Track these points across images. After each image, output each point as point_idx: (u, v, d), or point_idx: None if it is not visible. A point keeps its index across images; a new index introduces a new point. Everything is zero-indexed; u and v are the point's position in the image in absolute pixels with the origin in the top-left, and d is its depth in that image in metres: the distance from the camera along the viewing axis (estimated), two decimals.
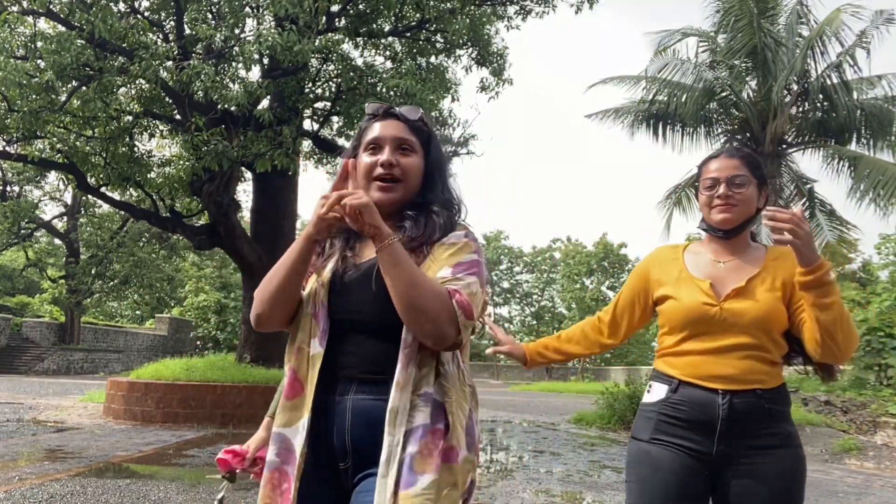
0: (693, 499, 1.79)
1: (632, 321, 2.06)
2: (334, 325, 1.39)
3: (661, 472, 1.80)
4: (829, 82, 13.22)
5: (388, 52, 13.54)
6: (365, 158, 1.45)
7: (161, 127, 13.06)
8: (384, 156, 1.43)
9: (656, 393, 1.88)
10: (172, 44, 10.60)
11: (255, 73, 11.69)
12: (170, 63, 10.18)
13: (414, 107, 1.52)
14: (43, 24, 11.06)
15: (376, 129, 1.47)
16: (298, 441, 1.34)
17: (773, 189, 13.71)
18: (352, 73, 11.31)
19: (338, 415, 1.36)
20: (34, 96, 10.18)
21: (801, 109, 14.09)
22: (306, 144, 13.99)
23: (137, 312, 43.39)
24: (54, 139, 12.06)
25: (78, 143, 12.04)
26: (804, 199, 14.73)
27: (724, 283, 1.84)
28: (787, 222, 1.57)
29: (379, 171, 1.43)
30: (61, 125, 11.84)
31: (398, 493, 1.24)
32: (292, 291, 1.40)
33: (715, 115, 14.75)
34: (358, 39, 12.84)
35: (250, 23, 11.11)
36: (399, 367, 1.30)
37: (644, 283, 2.01)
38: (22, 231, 29.07)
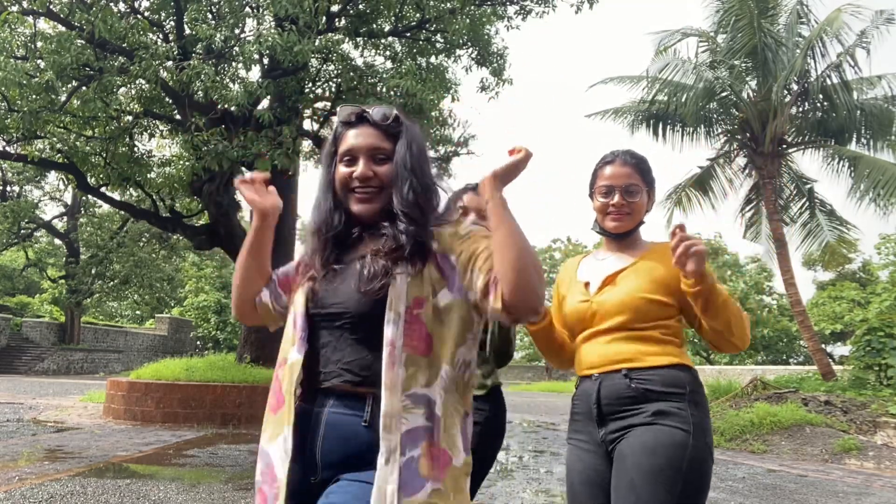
0: (598, 487, 1.82)
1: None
2: (315, 330, 1.38)
3: (571, 472, 1.91)
4: (829, 82, 13.21)
5: (388, 52, 13.53)
6: (342, 169, 1.43)
7: (161, 127, 13.06)
8: (359, 169, 1.40)
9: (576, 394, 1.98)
10: (172, 44, 10.60)
11: (255, 73, 11.69)
12: (170, 63, 10.18)
13: (386, 108, 1.47)
14: (43, 24, 11.06)
15: (350, 139, 1.43)
16: (278, 458, 1.30)
17: (773, 189, 13.72)
18: (352, 73, 11.31)
19: (312, 428, 1.32)
20: (34, 96, 10.18)
21: (801, 109, 14.09)
22: (306, 144, 13.99)
23: (137, 312, 43.39)
24: (54, 139, 12.07)
25: (78, 143, 12.04)
26: (804, 199, 14.74)
27: (601, 276, 1.94)
28: (681, 246, 1.65)
29: (355, 185, 1.41)
30: (61, 125, 11.85)
31: (402, 500, 1.20)
32: (251, 283, 1.52)
33: (715, 115, 14.74)
34: (358, 39, 12.83)
35: (250, 23, 11.11)
36: (385, 367, 1.26)
37: (557, 299, 2.09)
38: (22, 231, 29.06)
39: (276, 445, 1.32)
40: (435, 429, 1.27)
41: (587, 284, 1.96)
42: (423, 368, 1.28)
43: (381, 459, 1.22)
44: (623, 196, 1.93)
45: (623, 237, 1.98)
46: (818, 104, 13.81)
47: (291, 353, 1.37)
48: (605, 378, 1.82)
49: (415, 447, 1.24)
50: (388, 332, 1.27)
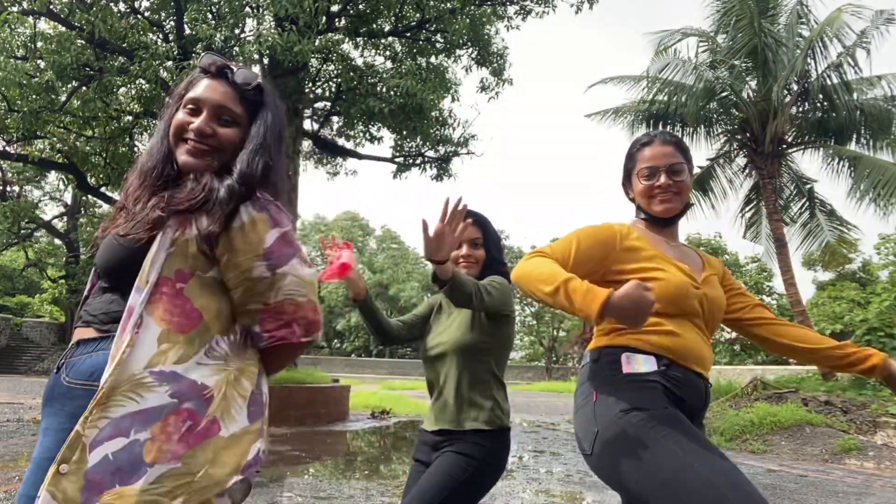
0: None
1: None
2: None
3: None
4: (829, 82, 13.21)
5: (388, 52, 13.55)
6: (180, 115, 1.34)
7: None
8: (199, 121, 1.32)
9: (645, 364, 1.65)
10: (172, 44, 10.61)
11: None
12: (170, 63, 10.19)
13: (251, 72, 1.39)
14: (43, 25, 11.07)
15: (201, 88, 1.35)
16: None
17: (773, 189, 13.72)
18: (352, 73, 11.32)
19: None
20: (34, 96, 10.19)
21: (801, 109, 14.09)
22: (306, 144, 14.00)
23: None
24: (54, 139, 12.08)
25: (78, 143, 12.05)
26: (804, 199, 14.74)
27: (690, 267, 1.80)
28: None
29: (189, 136, 1.32)
30: (61, 125, 11.86)
31: (113, 489, 1.10)
32: None
33: (715, 115, 14.74)
34: (358, 39, 12.84)
35: (250, 23, 11.12)
36: (117, 335, 1.18)
37: (606, 247, 1.76)
38: (22, 231, 29.06)
39: None
40: (194, 405, 1.17)
41: (686, 267, 1.77)
42: (179, 345, 1.20)
43: (72, 434, 1.14)
44: (669, 176, 1.80)
45: (673, 222, 1.86)
46: (818, 104, 13.81)
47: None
48: (707, 384, 1.75)
49: (143, 429, 1.14)
50: (132, 298, 1.19)
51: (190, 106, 1.34)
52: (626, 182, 1.93)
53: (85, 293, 1.34)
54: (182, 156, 1.32)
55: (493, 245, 2.32)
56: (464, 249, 2.27)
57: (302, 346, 1.30)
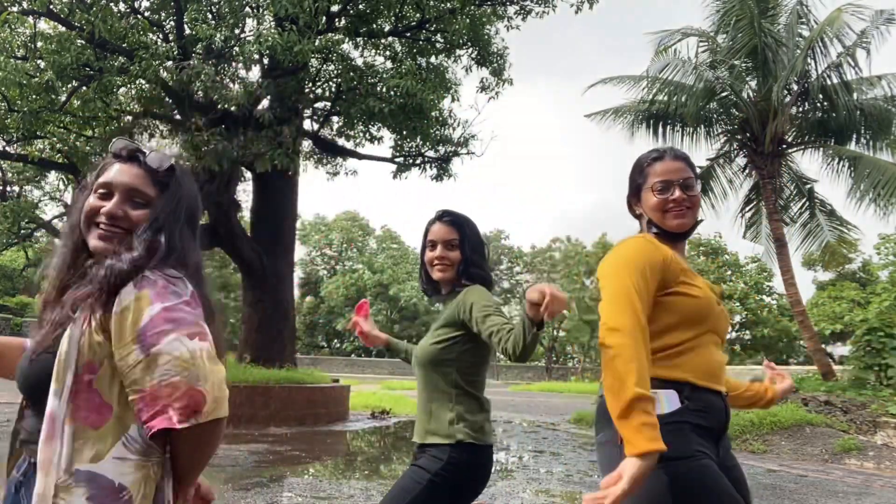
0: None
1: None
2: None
3: (725, 484, 1.56)
4: (829, 82, 13.21)
5: (388, 52, 13.54)
6: (92, 200, 1.32)
7: (161, 127, 13.06)
8: (110, 205, 1.30)
9: (668, 403, 1.62)
10: (172, 44, 10.60)
11: (255, 73, 11.69)
12: (170, 63, 10.18)
13: (164, 155, 1.38)
14: (43, 25, 11.06)
15: (112, 172, 1.34)
16: None
17: (773, 189, 13.71)
18: (352, 73, 11.31)
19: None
20: (34, 96, 10.19)
21: (801, 109, 14.08)
22: (306, 144, 13.99)
23: None
24: (54, 139, 12.08)
25: (78, 143, 12.05)
26: (804, 199, 14.74)
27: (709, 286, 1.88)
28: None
29: (100, 220, 1.30)
30: (61, 125, 11.86)
31: None
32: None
33: (715, 115, 14.74)
34: (358, 39, 12.84)
35: (250, 23, 11.11)
36: (41, 444, 1.15)
37: (661, 274, 1.72)
38: (22, 231, 29.04)
39: None
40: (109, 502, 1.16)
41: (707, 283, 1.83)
42: (92, 441, 1.17)
43: None
44: (683, 190, 1.81)
45: (684, 236, 1.87)
46: (818, 104, 13.80)
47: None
48: (725, 398, 1.74)
49: None
50: (51, 404, 1.17)
51: (101, 191, 1.32)
52: (634, 197, 1.91)
53: (17, 413, 1.32)
54: (93, 240, 1.30)
55: (470, 247, 2.21)
56: (438, 251, 2.20)
57: (194, 432, 1.15)
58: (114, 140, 1.40)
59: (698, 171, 1.96)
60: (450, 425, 2.05)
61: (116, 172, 1.34)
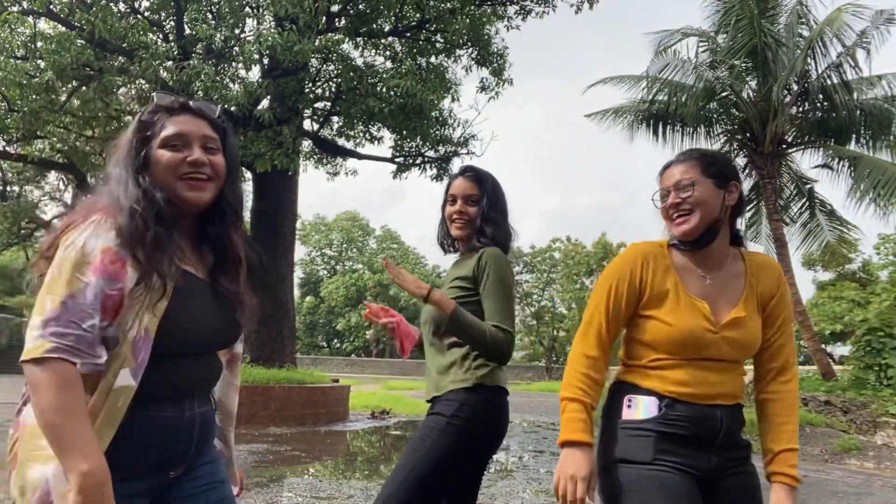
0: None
1: (616, 337, 1.78)
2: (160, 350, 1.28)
3: (654, 493, 1.58)
4: (829, 82, 13.21)
5: (388, 52, 13.54)
6: (167, 153, 1.33)
7: None
8: (195, 154, 1.33)
9: (645, 409, 1.67)
10: (172, 44, 10.61)
11: (255, 73, 11.70)
12: (170, 63, 10.18)
13: (209, 103, 1.43)
14: (43, 25, 11.07)
15: (178, 124, 1.35)
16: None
17: (773, 189, 13.71)
18: (352, 73, 11.31)
19: (172, 430, 1.31)
20: (34, 96, 10.19)
21: (801, 109, 14.08)
22: (306, 144, 14.00)
23: None
24: (54, 139, 12.08)
25: (78, 143, 12.05)
26: (804, 199, 14.74)
27: (718, 305, 1.71)
28: None
29: (187, 169, 1.33)
30: (61, 125, 11.86)
31: None
32: None
33: (715, 115, 14.74)
34: (358, 39, 12.84)
35: (250, 23, 11.12)
36: (237, 376, 1.70)
37: (633, 289, 1.72)
38: (22, 231, 29.04)
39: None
40: None
41: (711, 308, 1.69)
42: None
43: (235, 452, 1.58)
44: (677, 193, 1.70)
45: (699, 245, 1.71)
46: (818, 104, 13.80)
47: (122, 375, 1.22)
48: (731, 410, 1.69)
49: None
50: (239, 348, 1.60)
51: (174, 143, 1.33)
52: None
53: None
54: (187, 192, 1.33)
55: (489, 203, 2.22)
56: (458, 205, 2.20)
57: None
58: (158, 95, 1.41)
59: (722, 171, 1.76)
60: (465, 371, 2.07)
61: (183, 123, 1.35)
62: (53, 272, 1.20)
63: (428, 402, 2.17)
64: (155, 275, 1.24)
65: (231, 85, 10.49)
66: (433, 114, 12.53)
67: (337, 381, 13.42)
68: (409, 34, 12.80)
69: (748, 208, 15.34)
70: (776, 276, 1.77)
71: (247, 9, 11.10)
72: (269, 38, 9.47)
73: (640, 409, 1.68)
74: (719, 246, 1.74)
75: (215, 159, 1.37)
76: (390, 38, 13.16)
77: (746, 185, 15.16)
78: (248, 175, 13.75)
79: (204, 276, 1.41)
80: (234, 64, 10.90)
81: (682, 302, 1.69)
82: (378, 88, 11.22)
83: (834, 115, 13.40)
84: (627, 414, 1.70)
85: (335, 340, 50.69)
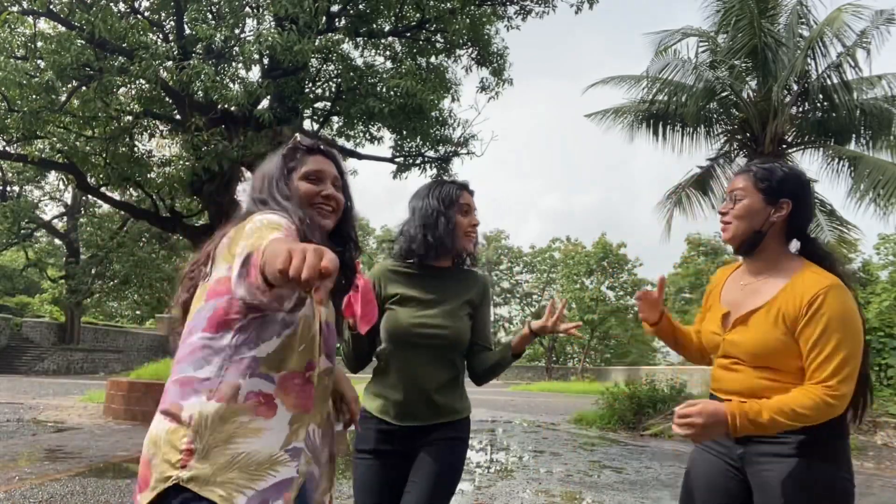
0: (721, 496, 1.82)
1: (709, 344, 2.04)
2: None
3: (696, 474, 1.88)
4: (829, 82, 13.20)
5: (388, 52, 13.54)
6: (306, 185, 1.58)
7: (161, 127, 13.06)
8: (328, 189, 1.59)
9: None
10: (172, 44, 10.61)
11: (255, 73, 11.70)
12: (170, 63, 10.18)
13: (333, 148, 1.68)
14: (43, 25, 11.07)
15: (317, 163, 1.61)
16: (309, 449, 1.44)
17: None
18: (352, 73, 11.31)
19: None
20: (34, 96, 10.19)
21: (801, 109, 14.07)
22: None
23: (137, 312, 43.37)
24: (54, 139, 12.06)
25: (78, 143, 12.04)
26: None
27: (739, 310, 1.82)
28: (682, 424, 1.65)
29: (320, 201, 1.57)
30: (61, 125, 11.85)
31: None
32: None
33: (715, 115, 14.73)
34: (358, 39, 12.84)
35: (250, 23, 11.12)
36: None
37: (704, 307, 2.04)
38: (22, 231, 29.04)
39: (300, 444, 1.40)
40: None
41: (725, 316, 1.86)
42: (303, 425, 1.49)
43: None
44: (727, 203, 1.87)
45: (745, 252, 1.86)
46: (818, 104, 13.79)
47: (322, 360, 1.50)
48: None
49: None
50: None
51: (312, 177, 1.59)
52: None
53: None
54: (317, 219, 1.56)
55: None
56: (473, 217, 2.21)
57: None
58: (300, 136, 1.66)
59: (778, 183, 1.83)
60: (463, 400, 2.14)
61: (320, 162, 1.62)
62: (251, 232, 1.33)
63: (429, 426, 2.08)
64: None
65: (231, 85, 10.48)
66: (433, 114, 12.53)
67: None
68: (409, 34, 12.79)
69: None
70: (807, 298, 1.71)
71: (247, 9, 11.11)
72: (269, 38, 9.47)
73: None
74: (766, 255, 1.83)
75: (339, 196, 1.61)
76: (390, 38, 13.16)
77: None
78: (249, 175, 13.76)
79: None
80: (234, 64, 10.90)
81: (712, 309, 1.94)
82: (378, 88, 11.22)
83: (834, 115, 13.38)
84: None
85: None
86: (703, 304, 2.05)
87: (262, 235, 1.28)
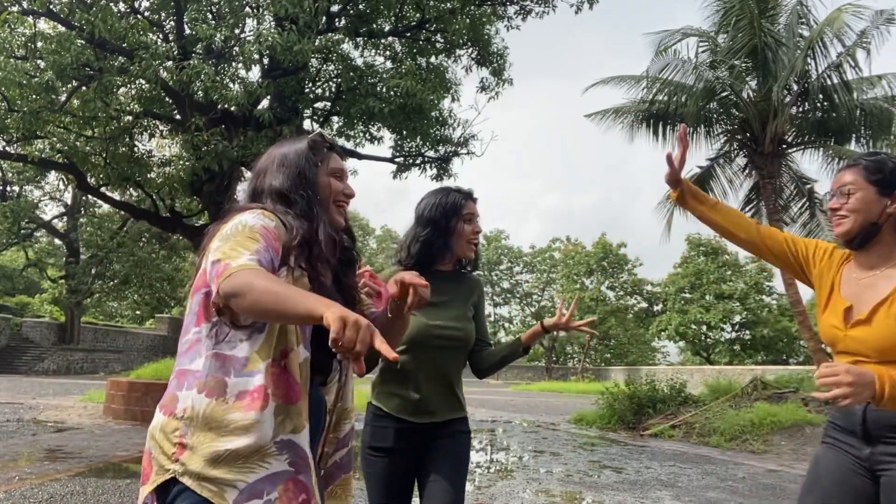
0: (850, 495, 1.80)
1: (772, 250, 2.05)
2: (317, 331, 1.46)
3: (823, 469, 1.87)
4: (829, 82, 13.20)
5: (388, 52, 13.53)
6: (334, 182, 1.61)
7: (161, 127, 13.06)
8: (349, 188, 1.64)
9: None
10: (172, 44, 10.60)
11: (255, 73, 11.69)
12: (170, 63, 10.18)
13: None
14: (43, 25, 11.07)
15: (339, 162, 1.64)
16: (306, 446, 1.36)
17: (773, 189, 13.71)
18: (352, 73, 11.31)
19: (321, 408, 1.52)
20: (34, 96, 10.18)
21: (801, 109, 14.08)
22: None
23: (137, 312, 43.37)
24: (54, 139, 12.06)
25: (78, 143, 12.04)
26: (804, 199, 14.74)
27: (860, 305, 1.81)
28: (829, 384, 1.56)
29: (342, 198, 1.62)
30: (61, 125, 11.84)
31: None
32: None
33: (715, 115, 14.73)
34: (358, 39, 12.83)
35: (250, 23, 11.11)
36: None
37: (804, 258, 2.00)
38: (22, 231, 29.03)
39: (302, 436, 1.36)
40: (303, 476, 1.41)
41: (847, 310, 1.82)
42: (291, 416, 1.45)
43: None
44: (837, 198, 1.87)
45: (858, 245, 1.85)
46: (818, 104, 13.79)
47: (301, 350, 1.41)
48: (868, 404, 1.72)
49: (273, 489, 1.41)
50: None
51: (337, 174, 1.62)
52: None
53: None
54: (338, 216, 1.60)
55: None
56: (476, 225, 2.30)
57: None
58: (320, 133, 1.66)
59: (886, 176, 1.83)
60: (462, 400, 2.26)
61: (340, 161, 1.65)
62: (228, 235, 1.38)
63: (444, 421, 2.18)
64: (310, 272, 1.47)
65: (231, 85, 10.48)
66: (433, 114, 12.52)
67: None
68: (409, 34, 12.79)
69: (748, 208, 15.33)
70: None
71: (247, 9, 11.10)
72: (269, 38, 9.46)
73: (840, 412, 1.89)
74: (880, 248, 1.84)
75: (354, 193, 1.66)
76: (390, 38, 13.15)
77: (747, 185, 15.17)
78: (249, 175, 13.75)
79: (329, 282, 1.57)
80: (234, 64, 10.89)
81: (832, 300, 1.90)
82: (378, 88, 11.22)
83: (834, 115, 13.39)
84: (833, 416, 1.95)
85: None
86: (811, 257, 1.99)
87: (235, 245, 1.32)
